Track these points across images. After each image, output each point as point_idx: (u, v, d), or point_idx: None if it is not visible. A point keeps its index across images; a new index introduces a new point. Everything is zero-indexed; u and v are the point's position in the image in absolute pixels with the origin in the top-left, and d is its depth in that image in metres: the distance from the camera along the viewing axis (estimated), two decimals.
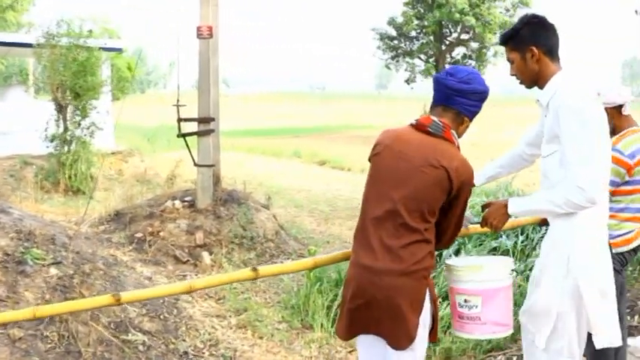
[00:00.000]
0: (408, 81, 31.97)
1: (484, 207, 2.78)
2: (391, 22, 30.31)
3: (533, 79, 2.60)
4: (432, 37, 29.45)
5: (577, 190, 2.36)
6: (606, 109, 3.07)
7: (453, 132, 2.56)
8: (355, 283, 2.54)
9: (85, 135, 10.94)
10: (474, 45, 29.60)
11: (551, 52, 2.56)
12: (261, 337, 5.01)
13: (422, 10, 29.26)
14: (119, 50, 15.89)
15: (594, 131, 2.40)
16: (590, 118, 2.41)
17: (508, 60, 2.67)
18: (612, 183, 3.17)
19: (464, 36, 29.39)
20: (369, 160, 2.68)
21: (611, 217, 2.97)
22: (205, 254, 6.70)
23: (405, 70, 31.79)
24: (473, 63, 30.05)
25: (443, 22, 28.63)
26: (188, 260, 6.59)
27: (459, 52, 30.76)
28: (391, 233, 2.47)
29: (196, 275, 6.32)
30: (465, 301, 2.65)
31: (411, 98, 47.81)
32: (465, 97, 2.52)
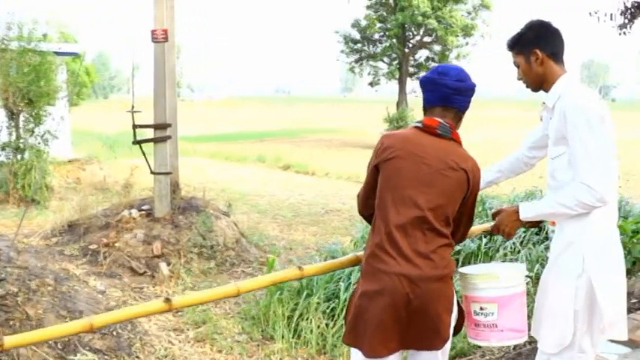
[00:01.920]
0: (372, 84, 32.02)
1: (494, 215, 2.78)
2: (355, 25, 30.35)
3: (538, 81, 2.64)
4: (395, 40, 29.54)
5: (587, 190, 2.38)
6: None
7: (457, 132, 2.59)
8: (391, 293, 2.44)
9: (39, 143, 10.56)
10: (437, 47, 29.81)
11: (555, 55, 2.60)
12: (220, 351, 4.84)
13: (385, 13, 29.36)
14: (75, 54, 15.46)
15: (601, 131, 2.44)
16: (596, 119, 2.44)
17: (514, 64, 2.70)
18: None
19: (426, 39, 29.57)
20: (377, 165, 2.58)
21: None
22: (163, 265, 6.49)
23: (369, 73, 31.85)
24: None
25: (405, 25, 28.74)
26: (145, 272, 6.36)
27: (421, 54, 30.95)
28: (421, 239, 2.45)
29: (153, 287, 6.11)
30: (481, 308, 2.65)
31: (376, 101, 48.04)
32: (462, 94, 2.57)
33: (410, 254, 2.44)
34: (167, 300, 2.36)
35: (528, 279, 2.77)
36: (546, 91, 2.64)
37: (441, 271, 2.46)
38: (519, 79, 2.72)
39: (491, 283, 2.62)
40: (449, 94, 2.55)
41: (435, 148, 2.51)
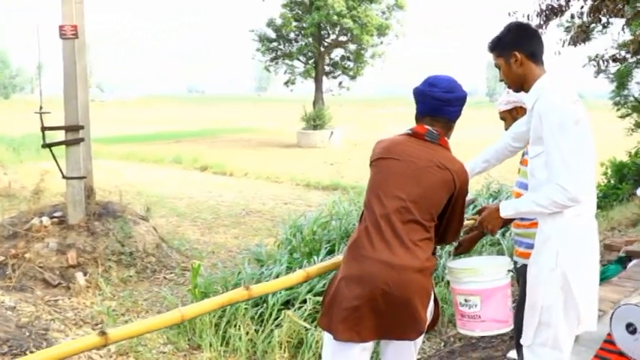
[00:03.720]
0: (287, 83, 31.90)
1: (479, 211, 2.86)
2: (270, 24, 30.16)
3: (519, 82, 2.68)
4: (310, 39, 29.58)
5: (560, 191, 2.44)
6: (516, 108, 3.17)
7: (446, 139, 2.70)
8: (370, 279, 2.51)
9: None
10: (352, 47, 30.09)
11: (534, 56, 2.63)
12: None
13: (300, 12, 29.33)
14: None
15: (575, 132, 2.47)
16: (571, 121, 2.47)
17: (496, 66, 2.74)
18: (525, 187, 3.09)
19: (342, 38, 29.76)
20: (370, 165, 2.74)
21: (530, 225, 2.94)
22: (79, 275, 6.14)
23: (285, 72, 31.72)
24: (351, 64, 30.56)
25: (321, 24, 28.83)
26: (60, 283, 5.99)
27: (337, 53, 31.15)
28: (403, 228, 2.54)
29: (69, 299, 5.75)
30: (466, 300, 2.76)
31: (291, 100, 47.96)
32: (451, 105, 2.66)
33: (392, 242, 2.52)
34: (102, 333, 2.11)
35: (511, 272, 2.84)
36: (526, 91, 2.68)
37: (421, 263, 2.52)
38: (501, 80, 2.76)
39: (475, 278, 2.74)
40: (438, 105, 2.65)
41: (422, 149, 2.63)
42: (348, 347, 2.55)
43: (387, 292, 2.47)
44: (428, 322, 2.66)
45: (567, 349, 2.62)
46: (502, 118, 3.32)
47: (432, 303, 2.67)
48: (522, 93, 2.77)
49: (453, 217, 2.70)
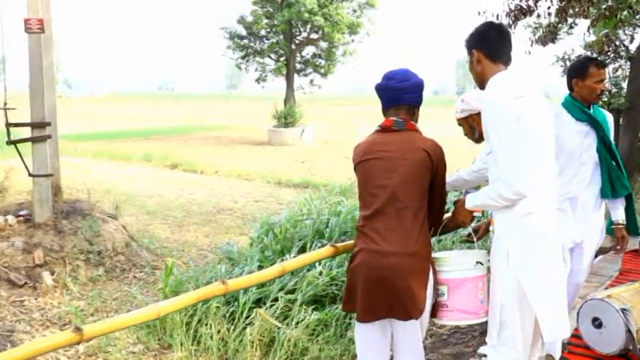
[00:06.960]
0: (258, 80, 31.76)
1: (454, 203, 2.94)
2: (241, 21, 29.99)
3: (480, 80, 2.75)
4: (282, 37, 29.50)
5: (504, 184, 2.48)
6: (471, 116, 3.14)
7: (413, 122, 2.95)
8: (365, 267, 2.78)
9: None
10: (324, 44, 30.09)
11: (493, 55, 2.68)
12: None
13: (271, 10, 29.23)
14: None
15: (516, 129, 2.47)
16: (510, 118, 2.47)
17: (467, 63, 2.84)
18: None
19: (313, 35, 29.74)
20: (354, 170, 2.99)
21: None
22: (46, 274, 6.02)
23: (256, 69, 31.58)
24: (322, 62, 30.57)
25: (292, 22, 28.76)
26: (26, 283, 5.87)
27: (308, 51, 31.13)
28: (394, 218, 2.77)
29: (36, 300, 5.64)
30: (436, 289, 2.83)
31: (262, 98, 47.84)
32: (409, 92, 2.91)
33: (383, 232, 2.77)
34: (77, 329, 2.06)
35: (480, 265, 2.84)
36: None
37: (412, 248, 2.73)
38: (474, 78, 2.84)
39: (443, 267, 2.82)
40: (397, 94, 2.91)
41: (394, 141, 2.87)
42: (368, 327, 2.85)
43: (383, 277, 2.71)
44: (432, 302, 2.81)
45: (525, 349, 2.62)
46: (459, 124, 3.38)
47: (431, 284, 2.78)
48: (478, 99, 2.83)
49: (434, 193, 2.87)
